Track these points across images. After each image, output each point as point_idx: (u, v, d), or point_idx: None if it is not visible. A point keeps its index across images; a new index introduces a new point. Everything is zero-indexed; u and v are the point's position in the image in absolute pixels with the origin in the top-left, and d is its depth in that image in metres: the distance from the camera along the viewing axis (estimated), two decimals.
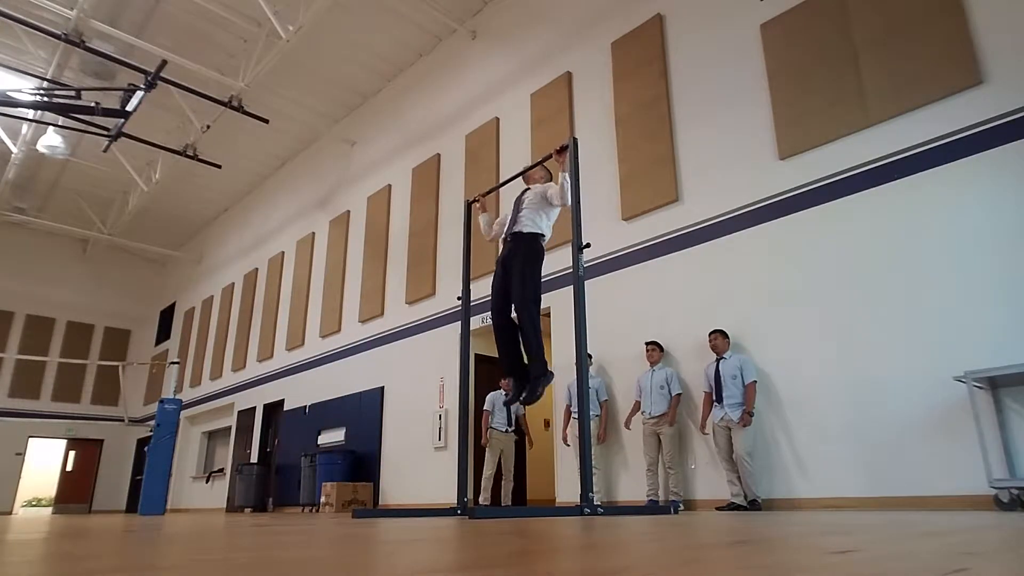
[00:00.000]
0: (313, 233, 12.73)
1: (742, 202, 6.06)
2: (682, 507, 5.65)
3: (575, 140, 4.77)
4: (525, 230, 4.68)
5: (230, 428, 14.06)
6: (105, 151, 10.60)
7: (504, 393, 7.32)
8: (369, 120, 11.91)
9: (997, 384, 4.37)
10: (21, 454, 16.84)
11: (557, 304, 7.21)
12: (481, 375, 7.97)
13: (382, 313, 10.19)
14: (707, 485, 5.75)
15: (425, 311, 9.33)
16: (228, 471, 13.63)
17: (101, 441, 18.07)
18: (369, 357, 10.27)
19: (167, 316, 18.85)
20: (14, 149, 12.89)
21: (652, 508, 5.38)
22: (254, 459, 12.60)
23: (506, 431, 7.37)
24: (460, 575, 1.11)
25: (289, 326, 12.57)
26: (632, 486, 6.26)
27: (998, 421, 4.37)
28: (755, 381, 5.42)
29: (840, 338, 5.18)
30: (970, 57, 4.90)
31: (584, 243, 4.50)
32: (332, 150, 12.71)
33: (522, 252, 4.63)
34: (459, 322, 5.55)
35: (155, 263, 19.79)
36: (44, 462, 17.70)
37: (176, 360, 12.95)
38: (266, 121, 10.60)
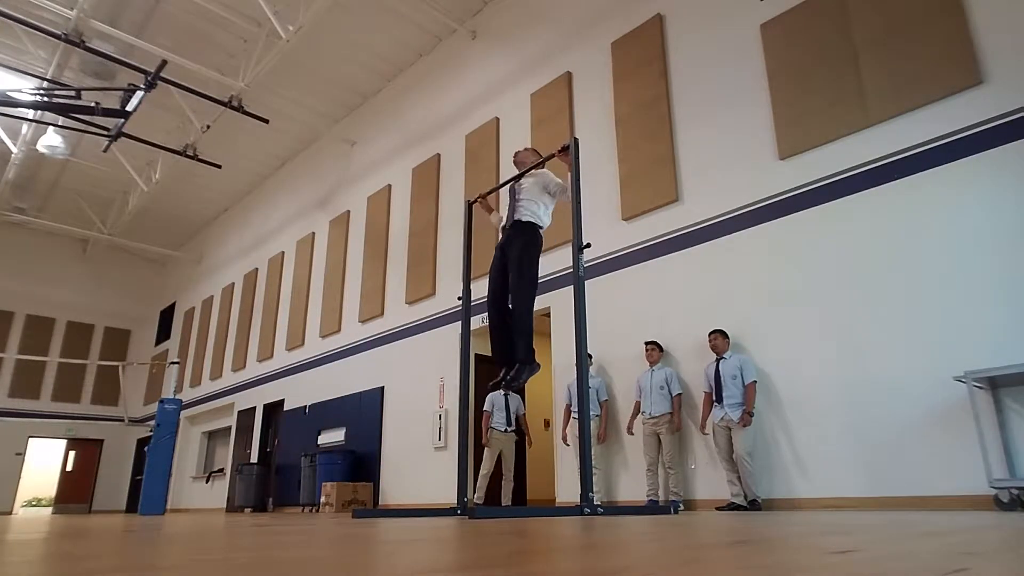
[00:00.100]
0: (313, 233, 12.73)
1: (742, 202, 6.06)
2: (682, 507, 5.66)
3: (576, 140, 4.77)
4: (523, 219, 4.69)
5: (230, 428, 14.07)
6: (105, 151, 10.60)
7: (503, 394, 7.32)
8: (369, 120, 11.91)
9: (997, 384, 4.37)
10: (21, 454, 16.84)
11: (557, 304, 7.22)
12: (481, 375, 7.95)
13: (382, 313, 10.19)
14: (707, 485, 5.75)
15: (425, 311, 9.33)
16: (228, 471, 13.63)
17: (101, 441, 18.08)
18: (369, 357, 10.27)
19: (167, 316, 18.85)
20: (14, 149, 12.89)
21: (652, 508, 5.38)
22: (254, 459, 12.60)
23: (505, 431, 7.37)
24: (460, 575, 1.11)
25: (289, 326, 12.57)
26: (632, 486, 6.26)
27: (998, 421, 4.37)
28: (755, 381, 5.42)
29: (840, 338, 5.18)
30: (970, 57, 4.90)
31: (584, 243, 4.50)
32: (332, 150, 12.71)
33: (521, 239, 4.65)
34: (459, 322, 5.56)
35: (155, 263, 19.79)
36: (44, 462, 17.70)
37: (176, 360, 12.94)
38: (266, 121, 10.60)
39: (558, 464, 7.07)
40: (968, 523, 2.57)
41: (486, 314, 4.85)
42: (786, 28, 6.06)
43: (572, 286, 4.50)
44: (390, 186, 10.86)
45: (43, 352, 17.06)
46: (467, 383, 5.40)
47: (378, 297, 10.31)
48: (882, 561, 1.25)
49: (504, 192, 5.28)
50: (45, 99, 8.93)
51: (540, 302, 7.26)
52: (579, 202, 4.61)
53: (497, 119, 9.06)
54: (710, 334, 5.72)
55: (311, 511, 9.71)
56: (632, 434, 6.16)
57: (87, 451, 17.99)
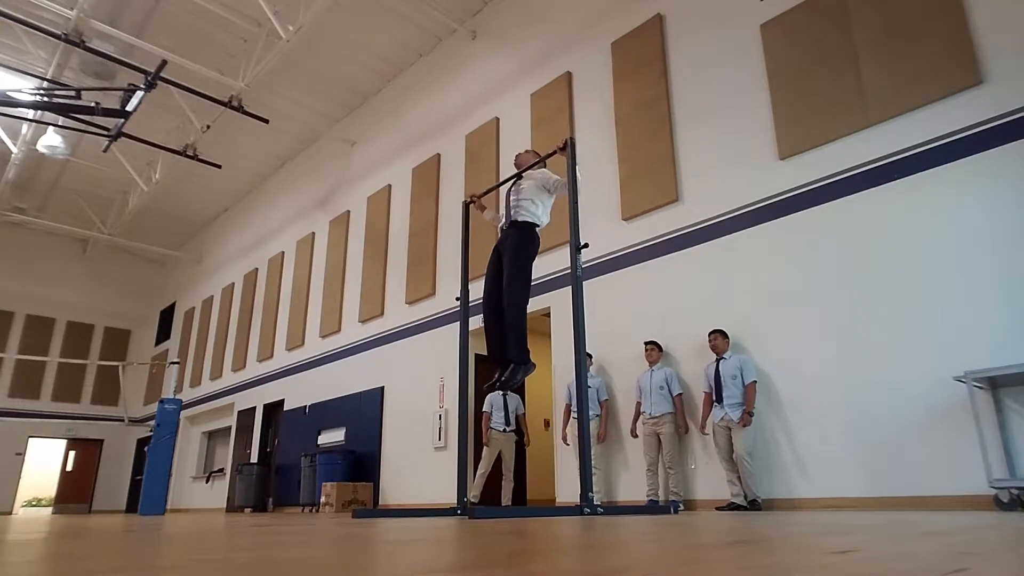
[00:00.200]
0: (313, 233, 12.73)
1: (742, 202, 6.06)
2: (682, 507, 5.65)
3: (572, 140, 4.76)
4: (520, 218, 4.71)
5: (230, 428, 14.06)
6: (105, 151, 10.60)
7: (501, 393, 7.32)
8: (369, 120, 11.91)
9: (997, 384, 4.37)
10: (21, 454, 16.84)
11: (557, 304, 7.22)
12: (481, 375, 7.96)
13: (382, 313, 10.19)
14: (707, 485, 5.75)
15: (425, 311, 9.33)
16: (228, 471, 13.63)
17: (101, 441, 18.07)
18: (369, 357, 10.27)
19: (167, 316, 18.85)
20: (14, 149, 12.89)
21: (652, 508, 5.38)
22: (254, 459, 12.60)
23: (504, 430, 7.36)
24: (460, 575, 1.11)
25: (289, 326, 12.57)
26: (632, 486, 6.26)
27: (998, 421, 4.37)
28: (755, 381, 5.42)
29: (840, 338, 5.18)
30: (970, 57, 4.90)
31: (582, 243, 4.50)
32: (332, 150, 12.71)
33: (518, 239, 4.67)
34: (459, 322, 5.56)
35: (155, 263, 19.79)
36: (44, 462, 17.70)
37: (176, 360, 12.95)
38: (266, 121, 10.60)
39: (558, 464, 7.07)
40: (968, 523, 2.57)
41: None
42: (786, 28, 6.06)
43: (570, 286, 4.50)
44: (390, 186, 10.86)
45: (43, 352, 17.06)
46: (467, 383, 5.40)
47: (378, 297, 10.31)
48: (882, 561, 1.24)
49: (500, 191, 5.29)
50: (45, 99, 8.93)
51: (540, 302, 7.31)
52: (576, 202, 4.61)
53: (497, 119, 9.06)
54: (710, 334, 5.72)
55: (311, 511, 9.71)
56: (636, 436, 6.14)
57: (87, 451, 17.99)
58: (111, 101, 9.33)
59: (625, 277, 6.86)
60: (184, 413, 12.28)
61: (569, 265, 4.53)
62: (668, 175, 6.69)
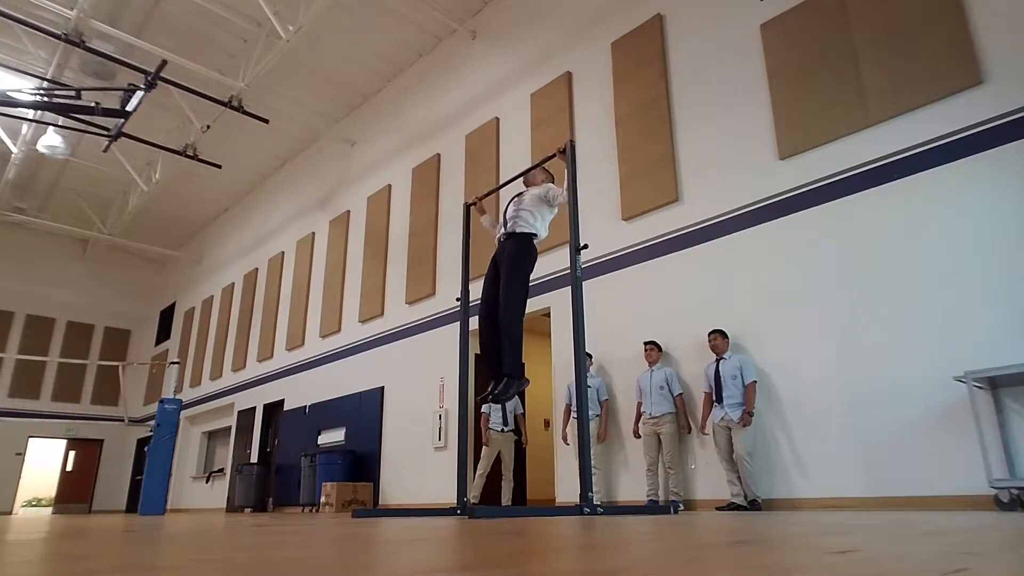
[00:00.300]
0: (313, 233, 12.73)
1: (742, 202, 6.06)
2: (682, 507, 5.65)
3: (572, 143, 4.77)
4: (519, 229, 4.70)
5: (230, 428, 14.06)
6: (105, 151, 10.60)
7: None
8: (369, 120, 11.91)
9: (997, 384, 4.37)
10: (21, 454, 16.84)
11: (557, 304, 7.21)
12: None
13: (382, 313, 10.19)
14: (707, 485, 5.75)
15: (425, 311, 9.33)
16: (228, 471, 13.63)
17: (101, 441, 18.07)
18: (369, 357, 10.27)
19: (167, 316, 18.85)
20: (14, 149, 12.89)
21: (652, 508, 5.38)
22: (254, 459, 12.60)
23: (502, 430, 7.36)
24: (460, 575, 1.11)
25: (289, 326, 12.57)
26: (632, 486, 6.26)
27: (998, 421, 4.37)
28: (755, 381, 5.42)
29: (840, 338, 5.18)
30: (970, 57, 4.90)
31: (582, 244, 4.50)
32: (332, 150, 12.72)
33: (515, 251, 4.66)
34: (459, 322, 5.56)
35: (155, 263, 19.79)
36: (44, 462, 17.70)
37: (176, 360, 12.95)
38: (266, 121, 10.60)
39: (558, 464, 7.07)
40: (968, 523, 2.57)
41: None
42: (786, 28, 6.06)
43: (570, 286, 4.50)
44: (390, 186, 10.86)
45: (43, 352, 17.06)
46: (467, 383, 5.40)
47: (378, 297, 10.31)
48: (882, 561, 1.25)
49: (504, 191, 5.30)
50: (45, 99, 8.93)
51: (539, 302, 7.31)
52: (576, 203, 4.61)
53: (497, 119, 9.06)
54: (710, 334, 5.72)
55: (311, 511, 9.71)
56: (639, 437, 6.13)
57: (87, 451, 17.99)
58: (111, 101, 9.33)
59: (625, 277, 6.86)
60: (184, 413, 12.28)
61: (569, 265, 4.54)
62: (668, 175, 6.69)
